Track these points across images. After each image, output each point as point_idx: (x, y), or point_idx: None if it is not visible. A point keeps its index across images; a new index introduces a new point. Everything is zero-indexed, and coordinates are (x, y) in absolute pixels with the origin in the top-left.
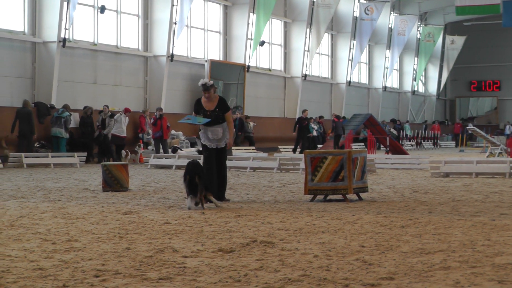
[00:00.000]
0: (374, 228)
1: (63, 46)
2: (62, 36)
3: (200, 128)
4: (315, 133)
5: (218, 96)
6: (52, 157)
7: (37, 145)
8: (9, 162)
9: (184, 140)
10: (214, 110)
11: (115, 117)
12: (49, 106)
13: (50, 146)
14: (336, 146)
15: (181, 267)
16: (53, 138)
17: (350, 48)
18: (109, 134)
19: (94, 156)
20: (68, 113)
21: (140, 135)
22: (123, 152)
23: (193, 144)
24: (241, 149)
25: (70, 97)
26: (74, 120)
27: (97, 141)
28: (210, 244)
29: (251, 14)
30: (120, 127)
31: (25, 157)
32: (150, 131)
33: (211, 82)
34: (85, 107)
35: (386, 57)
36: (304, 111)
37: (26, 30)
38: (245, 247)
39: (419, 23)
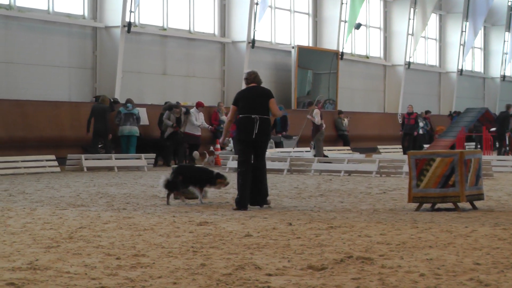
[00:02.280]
0: (491, 242)
1: (128, 31)
2: (127, 20)
3: None
4: (421, 131)
5: None
6: (115, 159)
7: (99, 145)
8: (67, 165)
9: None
10: None
11: (191, 113)
12: (112, 100)
13: (113, 147)
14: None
15: (265, 286)
16: (122, 137)
17: (462, 31)
18: (204, 125)
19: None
20: (138, 110)
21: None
22: (196, 153)
23: (277, 144)
24: (334, 150)
25: (136, 90)
26: (143, 117)
27: (172, 140)
28: (298, 260)
29: None
30: (194, 125)
31: (85, 159)
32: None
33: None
34: (166, 103)
35: (505, 41)
36: (509, 106)
37: (86, 14)
38: (338, 263)
39: None
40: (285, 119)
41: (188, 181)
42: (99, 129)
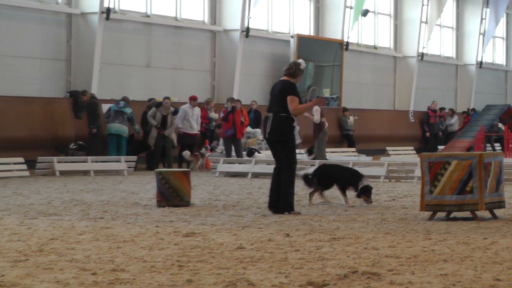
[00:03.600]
0: None
1: (107, 18)
2: (106, 5)
3: (294, 119)
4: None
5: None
6: (92, 162)
7: (73, 146)
8: (37, 169)
9: (263, 140)
10: None
11: (180, 109)
12: (90, 95)
13: (89, 147)
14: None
15: None
16: (110, 136)
17: (482, 19)
18: (171, 135)
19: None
20: (131, 110)
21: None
22: (187, 152)
23: None
24: (338, 152)
25: (116, 85)
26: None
27: (159, 143)
28: (297, 276)
29: None
30: (188, 122)
31: (58, 162)
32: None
33: None
34: (150, 100)
35: None
36: None
37: None
38: (342, 279)
39: None
40: (258, 114)
41: (330, 180)
42: (98, 127)
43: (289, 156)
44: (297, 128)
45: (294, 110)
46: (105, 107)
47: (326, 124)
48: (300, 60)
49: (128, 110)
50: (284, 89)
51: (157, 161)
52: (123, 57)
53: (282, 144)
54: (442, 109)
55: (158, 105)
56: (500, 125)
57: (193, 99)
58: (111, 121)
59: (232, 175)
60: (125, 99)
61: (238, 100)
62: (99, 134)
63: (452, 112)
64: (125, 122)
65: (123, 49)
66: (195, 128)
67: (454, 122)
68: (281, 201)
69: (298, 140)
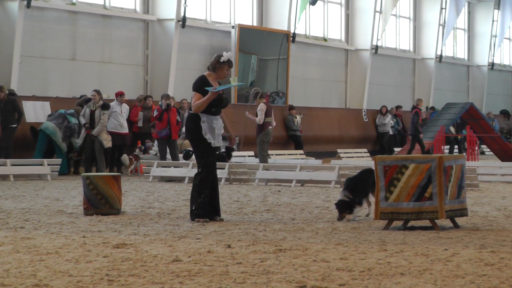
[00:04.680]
0: (476, 268)
1: (28, 6)
2: None
3: (200, 116)
4: (390, 131)
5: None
6: (11, 165)
7: None
8: None
9: None
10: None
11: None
12: (7, 92)
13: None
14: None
15: None
16: (42, 133)
17: (442, 8)
18: (101, 135)
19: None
20: (77, 121)
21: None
22: (125, 156)
23: None
24: (283, 154)
25: (38, 80)
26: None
27: (83, 145)
28: None
29: None
30: (118, 121)
31: None
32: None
33: None
34: (81, 96)
35: (493, 21)
36: None
37: None
38: None
39: None
40: (177, 111)
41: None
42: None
43: (198, 158)
44: (212, 128)
45: (192, 107)
46: (25, 104)
47: (274, 123)
48: (224, 52)
49: (74, 120)
50: (193, 85)
51: (89, 165)
52: (46, 49)
53: (191, 143)
54: (398, 107)
55: (88, 100)
56: (451, 127)
57: (119, 94)
58: (50, 119)
59: (167, 180)
60: (77, 110)
61: (149, 96)
62: (12, 135)
63: (386, 110)
64: (62, 128)
65: (46, 40)
66: (126, 127)
67: (387, 122)
68: (192, 207)
69: (212, 141)
